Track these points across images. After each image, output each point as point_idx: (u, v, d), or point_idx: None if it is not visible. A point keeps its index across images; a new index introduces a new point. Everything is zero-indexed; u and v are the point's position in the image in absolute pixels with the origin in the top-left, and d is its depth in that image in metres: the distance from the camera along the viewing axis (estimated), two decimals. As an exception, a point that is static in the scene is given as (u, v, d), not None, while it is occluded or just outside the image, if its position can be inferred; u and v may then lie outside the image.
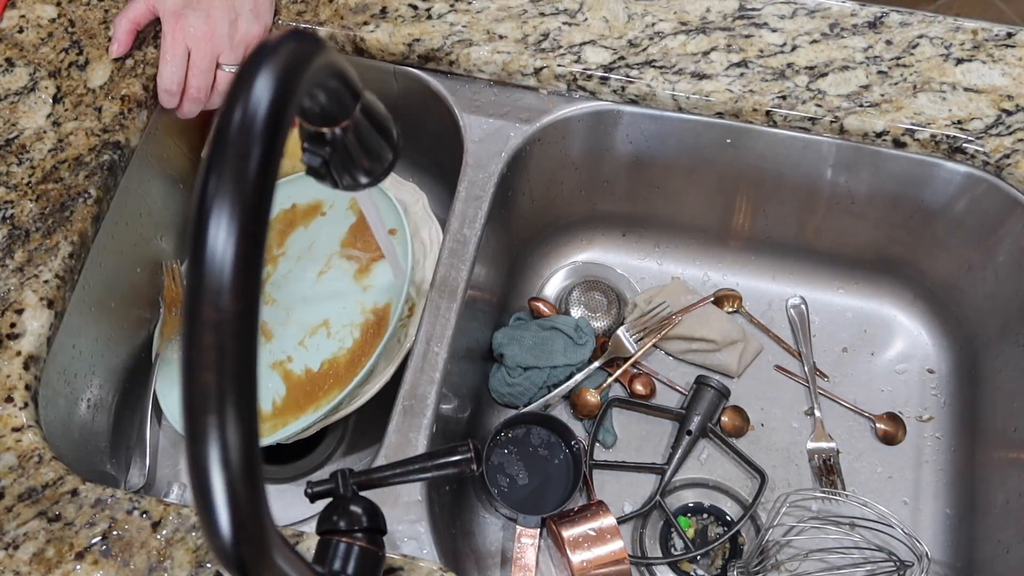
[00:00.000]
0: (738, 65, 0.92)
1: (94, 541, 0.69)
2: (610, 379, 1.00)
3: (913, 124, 0.90)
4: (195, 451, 0.38)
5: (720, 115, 0.92)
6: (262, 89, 0.41)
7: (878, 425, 0.99)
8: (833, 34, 0.94)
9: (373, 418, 0.89)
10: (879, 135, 0.90)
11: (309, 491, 0.63)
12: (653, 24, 0.94)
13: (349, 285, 0.90)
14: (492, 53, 0.93)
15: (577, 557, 0.87)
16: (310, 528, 0.69)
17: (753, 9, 0.95)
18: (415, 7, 0.95)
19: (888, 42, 0.94)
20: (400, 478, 0.65)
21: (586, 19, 0.95)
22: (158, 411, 0.94)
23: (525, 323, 1.01)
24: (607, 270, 1.09)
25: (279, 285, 0.93)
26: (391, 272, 0.85)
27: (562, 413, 1.01)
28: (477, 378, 0.99)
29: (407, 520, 0.75)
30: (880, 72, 0.92)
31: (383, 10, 0.95)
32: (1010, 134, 0.89)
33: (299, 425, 0.83)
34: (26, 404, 0.75)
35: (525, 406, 0.98)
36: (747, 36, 0.94)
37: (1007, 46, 0.93)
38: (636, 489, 0.97)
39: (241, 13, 0.86)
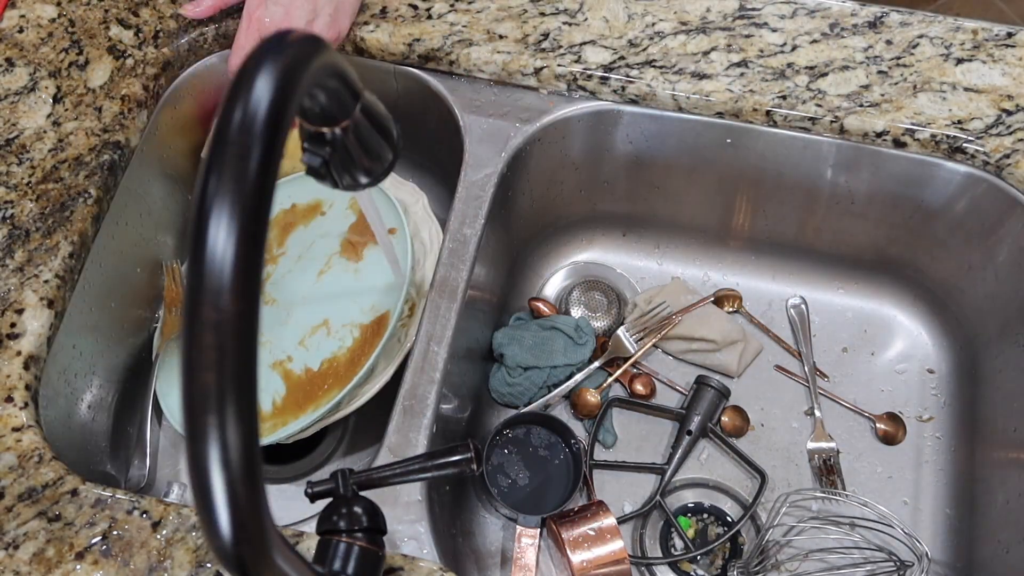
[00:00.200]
0: (738, 65, 0.92)
1: (94, 541, 0.69)
2: (610, 379, 1.00)
3: (913, 124, 0.90)
4: (195, 451, 0.38)
5: (720, 115, 0.92)
6: (262, 89, 0.41)
7: (878, 425, 0.99)
8: (833, 34, 0.94)
9: (373, 418, 0.89)
10: (879, 135, 0.90)
11: (309, 491, 0.63)
12: (653, 24, 0.94)
13: (349, 285, 0.90)
14: (492, 53, 0.93)
15: (577, 557, 0.87)
16: (310, 528, 0.69)
17: (753, 9, 0.95)
18: (415, 7, 0.95)
19: (888, 42, 0.94)
20: (400, 478, 0.65)
21: (586, 19, 0.95)
22: (158, 411, 0.94)
23: (525, 323, 1.01)
24: (607, 270, 1.09)
25: (279, 285, 0.93)
26: (391, 272, 0.85)
27: (562, 413, 1.01)
28: (477, 378, 0.99)
29: (407, 520, 0.75)
30: (880, 72, 0.92)
31: (383, 10, 0.95)
32: (1010, 134, 0.89)
33: (299, 425, 0.83)
34: (26, 404, 0.75)
35: (525, 406, 0.98)
36: (747, 36, 0.94)
37: (1007, 46, 0.93)
38: (636, 489, 0.97)
39: (320, 15, 0.87)
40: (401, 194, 0.96)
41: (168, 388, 0.93)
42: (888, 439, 0.99)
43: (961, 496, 0.96)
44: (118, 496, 0.71)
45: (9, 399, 0.75)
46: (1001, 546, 0.89)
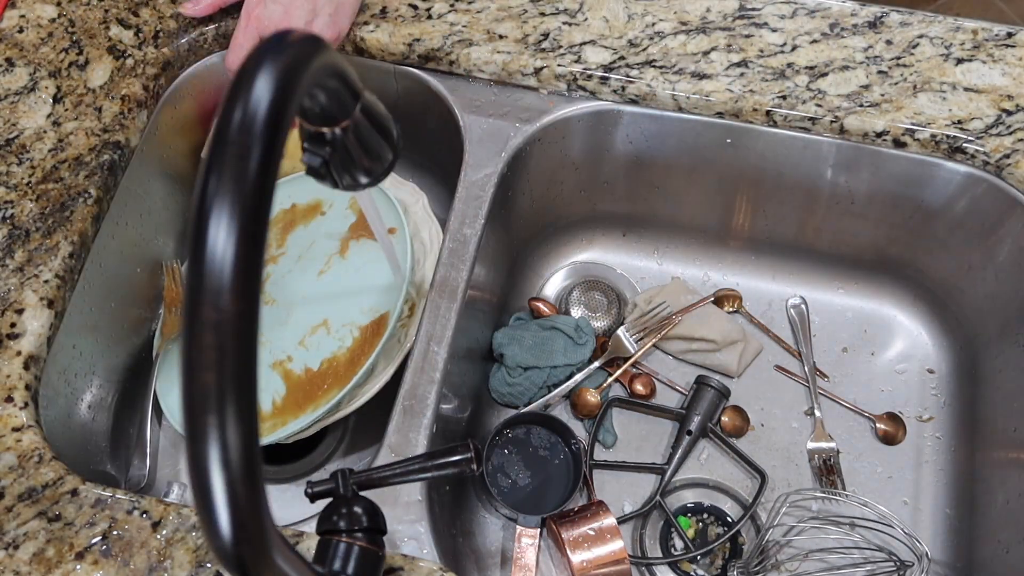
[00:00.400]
0: (738, 65, 0.92)
1: (94, 541, 0.69)
2: (610, 379, 1.00)
3: (913, 124, 0.90)
4: (195, 451, 0.38)
5: (720, 115, 0.92)
6: (262, 89, 0.41)
7: (878, 425, 0.99)
8: (833, 34, 0.94)
9: (373, 418, 0.89)
10: (879, 135, 0.90)
11: (309, 491, 0.63)
12: (653, 24, 0.94)
13: (349, 285, 0.90)
14: (492, 53, 0.93)
15: (577, 557, 0.87)
16: (310, 528, 0.69)
17: (753, 9, 0.95)
18: (415, 7, 0.95)
19: (888, 42, 0.94)
20: (400, 478, 0.65)
21: (586, 19, 0.95)
22: (158, 411, 0.94)
23: (525, 323, 1.01)
24: (607, 270, 1.09)
25: (279, 285, 0.93)
26: (391, 272, 0.85)
27: (562, 413, 1.01)
28: (477, 378, 0.99)
29: (407, 520, 0.75)
30: (880, 72, 0.92)
31: (383, 10, 0.95)
32: (1010, 134, 0.89)
33: (299, 424, 0.83)
34: (26, 404, 0.75)
35: (525, 406, 0.98)
36: (747, 36, 0.94)
37: (1007, 46, 0.93)
38: (636, 489, 0.97)
39: (319, 14, 0.87)
40: (401, 194, 0.96)
41: (168, 388, 0.93)
42: (888, 439, 0.99)
43: (961, 496, 0.96)
44: (118, 496, 0.71)
45: (9, 399, 0.75)
46: (1001, 546, 0.89)
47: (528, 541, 0.90)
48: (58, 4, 0.94)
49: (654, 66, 0.92)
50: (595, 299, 1.05)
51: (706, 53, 0.93)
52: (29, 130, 0.87)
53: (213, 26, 0.94)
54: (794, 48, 0.94)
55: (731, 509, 0.95)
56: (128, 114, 0.89)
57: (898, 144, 0.90)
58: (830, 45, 0.94)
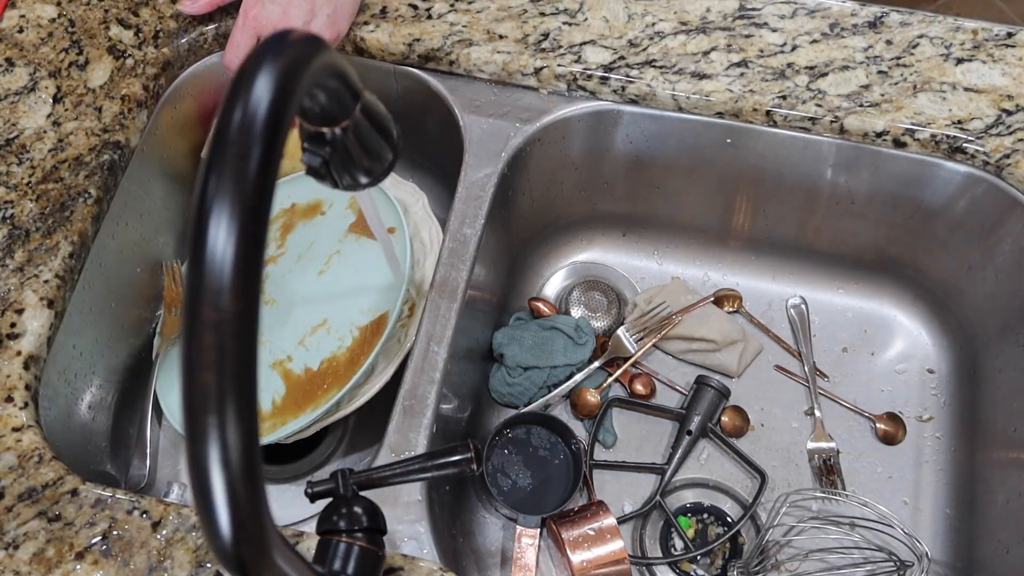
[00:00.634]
0: (738, 65, 0.92)
1: (94, 541, 0.69)
2: (610, 379, 1.00)
3: (913, 124, 0.90)
4: (195, 451, 0.38)
5: (720, 115, 0.92)
6: (262, 89, 0.41)
7: (878, 425, 0.99)
8: (833, 34, 0.94)
9: (373, 418, 0.89)
10: (879, 135, 0.90)
11: (309, 491, 0.63)
12: (653, 24, 0.94)
13: (349, 284, 0.90)
14: (492, 53, 0.93)
15: (577, 557, 0.87)
16: (310, 528, 0.69)
17: (753, 9, 0.95)
18: (415, 7, 0.95)
19: (888, 42, 0.94)
20: (400, 478, 0.65)
21: (586, 19, 0.95)
22: (158, 411, 0.94)
23: (525, 323, 1.01)
24: (607, 270, 1.09)
25: (279, 284, 0.93)
26: (390, 272, 0.85)
27: (562, 413, 1.01)
28: (477, 378, 0.99)
29: (407, 520, 0.75)
30: (880, 72, 0.92)
31: (383, 10, 0.95)
32: (1010, 134, 0.89)
33: (298, 424, 0.83)
34: (26, 404, 0.75)
35: (525, 406, 0.98)
36: (747, 36, 0.94)
37: (1007, 46, 0.93)
38: (636, 489, 0.97)
39: (317, 15, 0.87)
40: (401, 194, 0.96)
41: (168, 388, 0.93)
42: (888, 439, 0.99)
43: (961, 496, 0.96)
44: (118, 496, 0.71)
45: (9, 399, 0.75)
46: (1001, 546, 0.89)
47: (528, 541, 0.90)
48: (58, 4, 0.94)
49: (654, 66, 0.92)
50: (595, 299, 1.05)
51: (706, 53, 0.93)
52: (29, 130, 0.87)
53: (213, 26, 0.94)
54: (794, 48, 0.94)
55: (731, 509, 0.95)
56: (128, 114, 0.89)
57: (898, 144, 0.90)
58: (830, 45, 0.94)
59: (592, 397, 0.99)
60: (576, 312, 1.04)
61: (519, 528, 0.90)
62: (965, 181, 0.91)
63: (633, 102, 0.93)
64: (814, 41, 0.94)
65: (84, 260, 0.83)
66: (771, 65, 0.92)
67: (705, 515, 0.95)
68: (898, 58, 0.93)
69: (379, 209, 0.79)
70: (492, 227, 0.91)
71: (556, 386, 0.98)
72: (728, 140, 0.94)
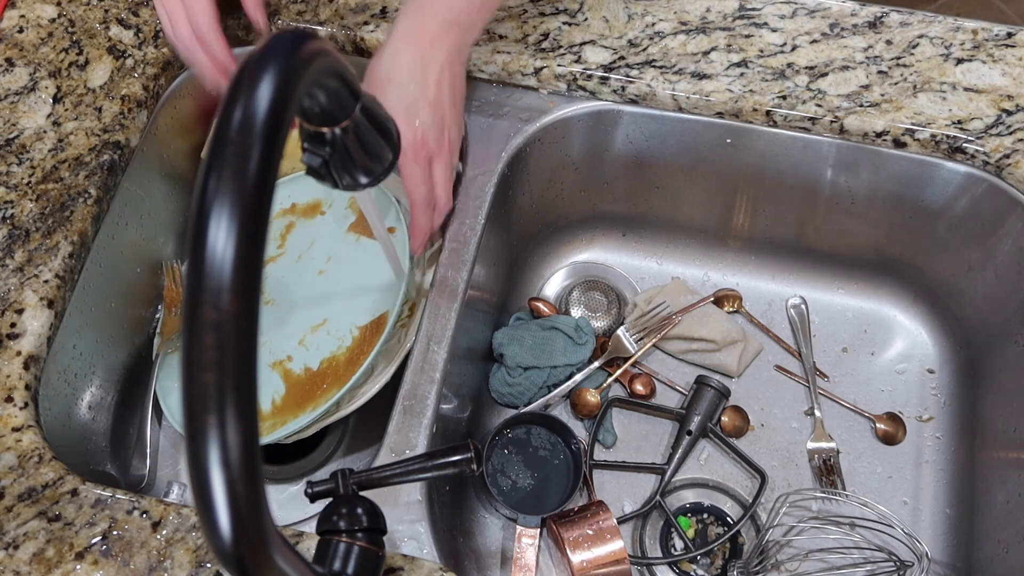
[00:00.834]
0: (738, 65, 0.92)
1: (94, 541, 0.69)
2: (610, 379, 1.00)
3: (913, 124, 0.90)
4: (195, 451, 0.38)
5: (720, 115, 0.92)
6: (262, 89, 0.41)
7: (878, 425, 0.99)
8: (833, 34, 0.94)
9: (373, 418, 0.89)
10: (879, 135, 0.90)
11: (309, 491, 0.63)
12: (653, 24, 0.94)
13: (349, 284, 0.90)
14: (492, 53, 0.93)
15: (577, 557, 0.87)
16: (310, 528, 0.69)
17: (753, 9, 0.95)
18: (415, 7, 0.95)
19: (888, 42, 0.94)
20: (400, 478, 0.65)
21: (586, 19, 0.95)
22: (158, 411, 0.94)
23: (525, 323, 1.01)
24: (607, 270, 1.09)
25: (279, 284, 0.93)
26: (390, 272, 0.85)
27: (562, 413, 1.01)
28: (477, 378, 0.99)
29: (407, 520, 0.75)
30: (880, 72, 0.92)
31: (383, 10, 0.95)
32: (1010, 134, 0.89)
33: (299, 424, 0.83)
34: (26, 404, 0.75)
35: (525, 406, 0.98)
36: (747, 36, 0.94)
37: (1007, 46, 0.93)
38: (636, 489, 0.97)
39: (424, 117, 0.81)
40: (401, 194, 0.96)
41: (168, 388, 0.93)
42: (888, 439, 0.99)
43: (961, 496, 0.96)
44: (118, 496, 0.71)
45: (9, 399, 0.75)
46: (1001, 546, 0.89)
47: (528, 541, 0.90)
48: (58, 4, 0.94)
49: (654, 66, 0.92)
50: (595, 299, 1.05)
51: (706, 53, 0.93)
52: (29, 130, 0.87)
53: (213, 26, 0.94)
54: (794, 48, 0.94)
55: (731, 509, 0.95)
56: (128, 114, 0.89)
57: (898, 144, 0.90)
58: (830, 45, 0.94)
59: (592, 397, 0.99)
60: (576, 312, 1.04)
61: (519, 528, 0.90)
62: (965, 181, 0.91)
63: (633, 102, 0.93)
64: (814, 41, 0.94)
65: (84, 260, 0.83)
66: (771, 65, 0.92)
67: (705, 515, 0.95)
68: (898, 58, 0.93)
69: (379, 209, 0.79)
70: (492, 227, 0.91)
71: (556, 386, 0.98)
72: (728, 140, 0.94)
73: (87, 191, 0.84)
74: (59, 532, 0.70)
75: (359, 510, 0.62)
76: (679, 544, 0.93)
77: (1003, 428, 0.93)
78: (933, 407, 1.01)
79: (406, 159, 0.78)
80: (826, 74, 0.92)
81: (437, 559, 0.74)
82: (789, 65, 0.93)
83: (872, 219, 0.99)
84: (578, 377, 0.99)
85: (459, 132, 0.84)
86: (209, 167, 0.39)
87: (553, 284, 1.08)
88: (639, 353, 1.01)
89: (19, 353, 0.77)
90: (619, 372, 1.00)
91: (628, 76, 0.92)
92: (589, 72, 0.92)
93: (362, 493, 0.64)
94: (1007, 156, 0.89)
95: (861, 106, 0.90)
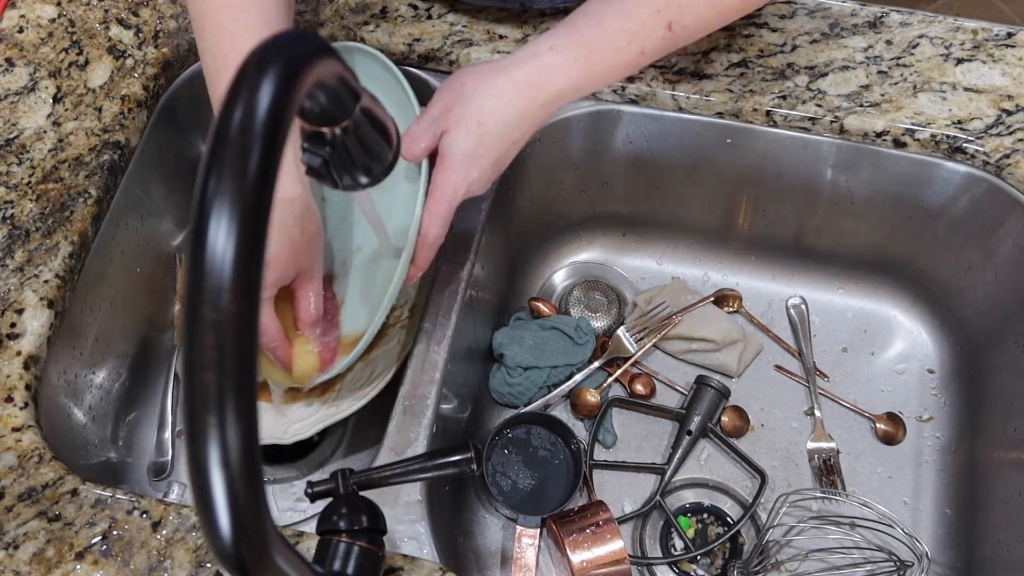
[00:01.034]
0: (738, 65, 0.92)
1: (94, 541, 0.69)
2: (610, 379, 1.00)
3: (913, 124, 0.90)
4: (195, 451, 0.38)
5: (720, 115, 0.92)
6: (262, 89, 0.41)
7: (878, 425, 0.99)
8: (833, 34, 0.94)
9: (373, 418, 0.89)
10: (879, 135, 0.90)
11: (309, 491, 0.63)
12: (653, 24, 0.94)
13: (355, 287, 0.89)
14: (492, 53, 0.93)
15: (577, 557, 0.87)
16: (310, 528, 0.69)
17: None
18: (415, 7, 0.95)
19: (888, 42, 0.94)
20: (400, 478, 0.65)
21: (586, 19, 0.95)
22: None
23: (525, 323, 1.01)
24: (607, 270, 1.09)
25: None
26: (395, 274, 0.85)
27: (562, 413, 1.01)
28: (477, 378, 0.99)
29: (407, 520, 0.75)
30: (880, 72, 0.92)
31: (383, 10, 0.95)
32: (1010, 134, 0.89)
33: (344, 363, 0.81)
34: (26, 404, 0.75)
35: (525, 406, 0.98)
36: (747, 36, 0.94)
37: (1007, 46, 0.93)
38: (636, 489, 0.97)
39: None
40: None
41: None
42: (888, 439, 0.99)
43: (961, 496, 0.96)
44: (118, 496, 0.71)
45: (9, 399, 0.75)
46: (1001, 546, 0.89)
47: (528, 541, 0.90)
48: (58, 4, 0.94)
49: (654, 66, 0.92)
50: (595, 299, 1.05)
51: (706, 53, 0.93)
52: (29, 130, 0.87)
53: (213, 26, 0.94)
54: (794, 48, 0.94)
55: (731, 509, 0.95)
56: (128, 114, 0.89)
57: (898, 144, 0.90)
58: (830, 45, 0.94)
59: (592, 397, 0.99)
60: (576, 312, 1.04)
61: (519, 528, 0.90)
62: (965, 181, 0.91)
63: (633, 102, 0.93)
64: (814, 41, 0.94)
65: (84, 260, 0.83)
66: (771, 65, 0.92)
67: (705, 515, 0.95)
68: (898, 58, 0.93)
69: (379, 210, 0.78)
70: (492, 227, 0.91)
71: (556, 386, 0.98)
72: (728, 140, 0.94)
73: (87, 191, 0.84)
74: (59, 532, 0.70)
75: (359, 510, 0.62)
76: (679, 544, 0.93)
77: (1003, 428, 0.93)
78: (933, 407, 1.01)
79: (443, 196, 0.75)
80: (826, 74, 0.92)
81: (437, 559, 0.74)
82: (789, 65, 0.93)
83: (872, 219, 0.99)
84: (578, 377, 0.99)
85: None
86: (209, 167, 0.39)
87: (553, 284, 1.08)
88: (639, 353, 1.01)
89: (19, 353, 0.77)
90: (619, 372, 1.00)
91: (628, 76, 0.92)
92: (589, 72, 0.92)
93: (362, 493, 0.64)
94: (1007, 156, 0.89)
95: (861, 106, 0.90)
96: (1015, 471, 0.90)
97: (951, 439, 0.99)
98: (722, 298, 1.05)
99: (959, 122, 0.90)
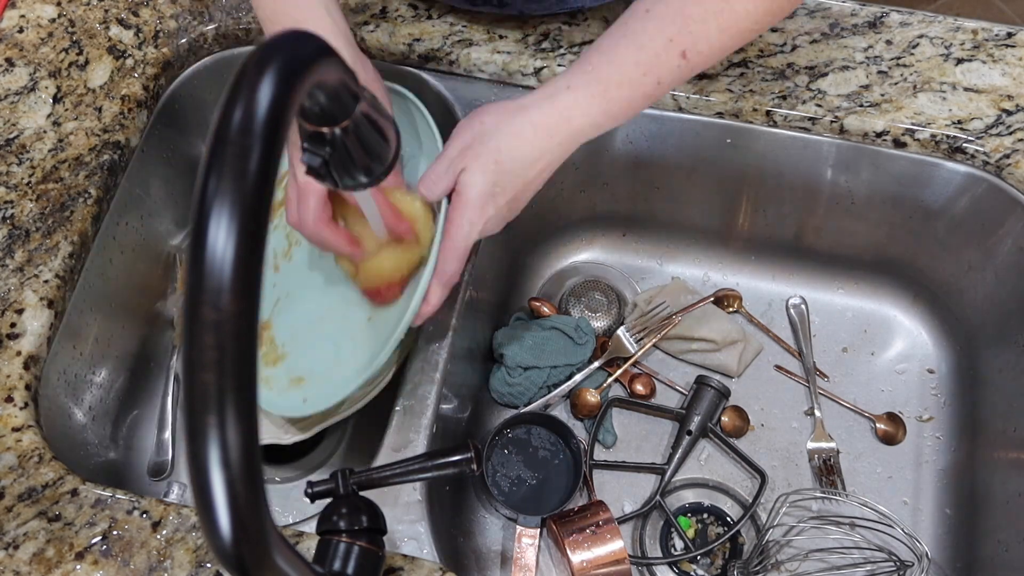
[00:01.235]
0: (738, 65, 0.92)
1: (94, 541, 0.69)
2: (610, 379, 1.00)
3: (913, 124, 0.90)
4: (195, 451, 0.38)
5: (720, 115, 0.92)
6: (262, 89, 0.41)
7: (878, 425, 0.99)
8: (833, 34, 0.94)
9: (373, 418, 0.89)
10: (879, 135, 0.90)
11: (309, 491, 0.63)
12: (653, 24, 0.94)
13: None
14: (492, 53, 0.93)
15: (577, 557, 0.87)
16: (310, 528, 0.69)
17: (753, 9, 0.95)
18: (415, 7, 0.95)
19: (888, 42, 0.94)
20: (400, 478, 0.65)
21: (586, 19, 0.95)
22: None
23: (525, 323, 1.01)
24: (607, 270, 1.09)
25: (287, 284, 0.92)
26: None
27: (562, 413, 1.01)
28: (477, 378, 0.99)
29: (407, 520, 0.75)
30: (880, 72, 0.92)
31: (383, 10, 0.95)
32: (1010, 134, 0.89)
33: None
34: (26, 404, 0.75)
35: (525, 406, 0.98)
36: (747, 36, 0.94)
37: (1007, 46, 0.93)
38: (636, 489, 0.97)
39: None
40: None
41: None
42: (888, 439, 0.99)
43: (961, 496, 0.96)
44: (118, 496, 0.71)
45: (9, 399, 0.75)
46: (1001, 546, 0.89)
47: (528, 541, 0.90)
48: (58, 4, 0.94)
49: (654, 66, 0.92)
50: (595, 299, 1.05)
51: (706, 53, 0.93)
52: (29, 130, 0.87)
53: (213, 26, 0.94)
54: (794, 48, 0.94)
55: (731, 509, 0.95)
56: (128, 114, 0.89)
57: (898, 144, 0.90)
58: (830, 45, 0.94)
59: (592, 397, 0.99)
60: (576, 312, 1.04)
61: (519, 528, 0.90)
62: (965, 181, 0.91)
63: (633, 102, 0.93)
64: (814, 41, 0.94)
65: (84, 260, 0.83)
66: (771, 65, 0.92)
67: (705, 515, 0.95)
68: (898, 58, 0.93)
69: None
70: (492, 227, 0.91)
71: (556, 386, 0.98)
72: (728, 140, 0.94)
73: (87, 191, 0.84)
74: (59, 532, 0.70)
75: (359, 510, 0.62)
76: (679, 544, 0.93)
77: (1003, 428, 0.93)
78: (933, 407, 1.01)
79: (459, 234, 0.74)
80: (826, 74, 0.92)
81: (437, 559, 0.74)
82: (789, 65, 0.93)
83: (872, 219, 0.99)
84: (578, 377, 0.99)
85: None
86: (209, 167, 0.39)
87: (553, 284, 1.08)
88: (639, 353, 1.01)
89: (19, 353, 0.77)
90: (619, 372, 1.00)
91: (628, 76, 0.92)
92: (589, 72, 0.92)
93: (362, 493, 0.64)
94: (1007, 156, 0.89)
95: (861, 106, 0.90)
96: (1015, 471, 0.90)
97: (951, 439, 0.99)
98: (722, 298, 1.05)
99: (959, 122, 0.90)
